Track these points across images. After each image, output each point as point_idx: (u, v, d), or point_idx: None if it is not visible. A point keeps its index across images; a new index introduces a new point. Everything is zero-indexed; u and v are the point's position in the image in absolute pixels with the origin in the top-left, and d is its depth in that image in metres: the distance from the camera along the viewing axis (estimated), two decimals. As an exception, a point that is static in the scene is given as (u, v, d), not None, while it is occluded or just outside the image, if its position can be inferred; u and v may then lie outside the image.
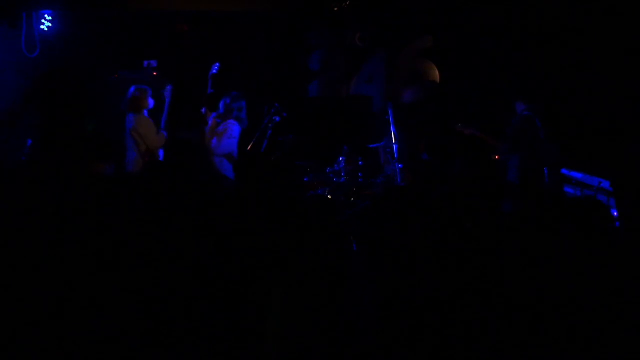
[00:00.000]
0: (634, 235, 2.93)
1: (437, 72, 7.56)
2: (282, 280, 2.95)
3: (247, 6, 6.99)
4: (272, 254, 3.36)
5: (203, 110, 6.18)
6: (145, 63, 7.47)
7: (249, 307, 3.57)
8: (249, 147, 6.33)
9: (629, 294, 2.59)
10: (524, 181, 5.98)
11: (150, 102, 6.16)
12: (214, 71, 6.23)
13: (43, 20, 7.44)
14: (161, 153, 6.05)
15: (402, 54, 7.68)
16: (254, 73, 7.65)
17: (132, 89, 6.11)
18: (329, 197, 6.47)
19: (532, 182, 5.94)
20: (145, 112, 6.13)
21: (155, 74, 7.36)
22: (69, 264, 2.96)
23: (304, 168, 7.14)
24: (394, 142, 6.33)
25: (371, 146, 6.94)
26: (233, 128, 5.91)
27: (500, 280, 2.76)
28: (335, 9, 6.55)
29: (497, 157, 6.30)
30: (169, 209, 3.45)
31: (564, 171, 6.24)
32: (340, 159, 6.83)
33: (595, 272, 2.76)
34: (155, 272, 3.22)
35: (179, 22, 7.75)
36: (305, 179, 7.09)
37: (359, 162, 6.76)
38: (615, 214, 5.03)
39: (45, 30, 7.49)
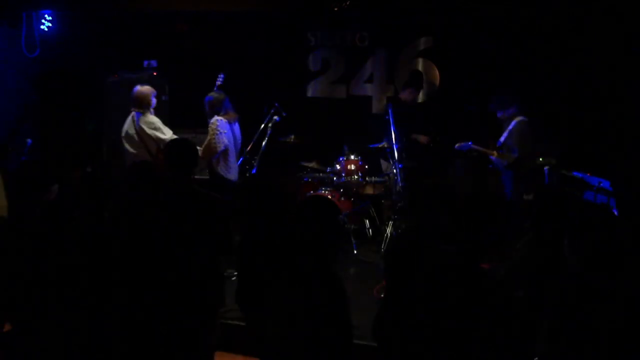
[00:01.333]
0: (634, 236, 2.92)
1: (437, 72, 7.56)
2: (281, 280, 2.94)
3: (247, 6, 6.98)
4: (272, 254, 3.36)
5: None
6: (145, 63, 7.47)
7: (248, 306, 3.57)
8: (249, 148, 6.32)
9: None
10: (528, 185, 5.98)
11: (154, 101, 6.10)
12: (220, 82, 6.16)
13: (43, 20, 7.44)
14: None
15: (402, 54, 7.68)
16: (254, 73, 7.65)
17: (136, 87, 5.99)
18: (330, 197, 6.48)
19: (536, 185, 5.95)
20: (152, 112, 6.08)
21: (155, 74, 7.35)
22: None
23: (304, 168, 7.15)
24: (394, 142, 6.33)
25: (371, 146, 6.96)
26: (218, 123, 5.73)
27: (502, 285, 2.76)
28: (335, 9, 6.54)
29: (495, 153, 6.28)
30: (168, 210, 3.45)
31: (564, 171, 6.24)
32: (340, 159, 6.84)
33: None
34: (154, 271, 3.22)
35: (179, 22, 7.75)
36: (305, 179, 7.10)
37: (359, 162, 6.77)
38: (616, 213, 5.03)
39: (45, 30, 7.49)
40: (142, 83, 6.08)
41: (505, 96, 6.19)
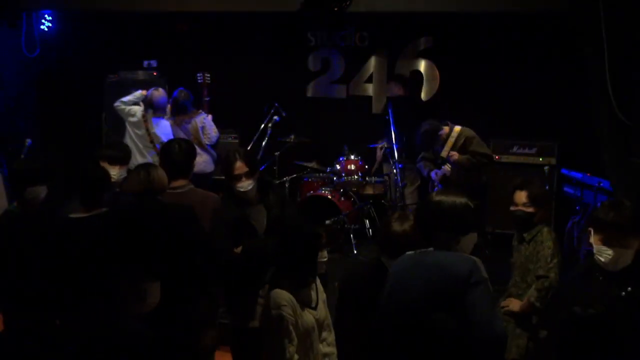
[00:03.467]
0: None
1: (437, 72, 7.55)
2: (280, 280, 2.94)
3: (247, 6, 6.98)
4: (271, 254, 3.35)
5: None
6: (145, 63, 7.47)
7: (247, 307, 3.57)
8: (249, 147, 6.33)
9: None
10: None
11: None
12: (199, 80, 6.46)
13: (43, 20, 7.44)
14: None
15: (402, 54, 7.67)
16: (254, 73, 7.65)
17: (150, 90, 6.26)
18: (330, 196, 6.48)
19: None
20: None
21: (155, 74, 7.36)
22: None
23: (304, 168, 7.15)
24: (394, 142, 6.32)
25: (371, 146, 6.94)
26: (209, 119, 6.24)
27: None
28: (335, 9, 6.53)
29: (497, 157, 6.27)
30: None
31: (564, 171, 6.23)
32: (340, 159, 6.83)
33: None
34: (153, 271, 3.21)
35: (179, 22, 7.75)
36: (305, 179, 7.10)
37: (359, 162, 6.77)
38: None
39: (45, 30, 7.49)
40: (140, 84, 6.24)
41: (424, 134, 5.75)
